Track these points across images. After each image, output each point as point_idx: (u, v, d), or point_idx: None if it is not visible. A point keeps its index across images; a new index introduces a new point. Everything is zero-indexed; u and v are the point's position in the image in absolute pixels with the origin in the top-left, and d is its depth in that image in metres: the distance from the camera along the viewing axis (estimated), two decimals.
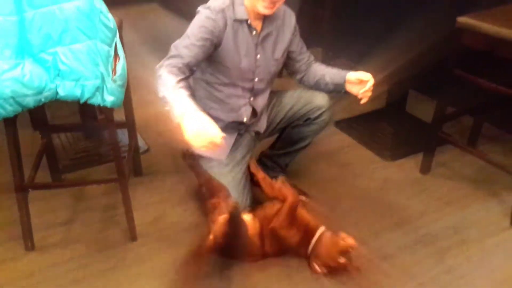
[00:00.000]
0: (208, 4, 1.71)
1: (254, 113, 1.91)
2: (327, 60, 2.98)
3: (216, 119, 1.52)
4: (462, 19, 1.94)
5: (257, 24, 1.75)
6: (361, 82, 1.84)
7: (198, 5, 1.74)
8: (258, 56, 1.79)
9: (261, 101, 1.91)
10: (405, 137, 2.58)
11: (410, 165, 2.35)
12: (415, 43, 2.41)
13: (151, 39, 3.85)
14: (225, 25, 1.69)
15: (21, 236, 1.79)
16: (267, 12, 1.67)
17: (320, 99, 1.97)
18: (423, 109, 2.72)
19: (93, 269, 1.72)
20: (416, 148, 2.42)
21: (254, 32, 1.74)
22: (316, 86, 1.98)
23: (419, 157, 2.32)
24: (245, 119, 1.88)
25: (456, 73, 2.04)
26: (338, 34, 2.51)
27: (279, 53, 1.84)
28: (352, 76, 1.87)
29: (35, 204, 1.86)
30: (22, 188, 1.75)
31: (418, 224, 1.97)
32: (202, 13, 1.69)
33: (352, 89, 1.88)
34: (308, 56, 1.97)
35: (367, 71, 1.90)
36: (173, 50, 1.70)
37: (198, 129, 1.42)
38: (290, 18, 1.86)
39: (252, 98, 1.88)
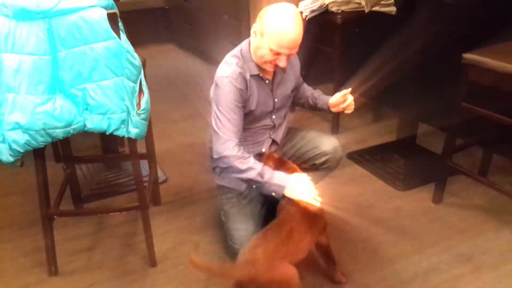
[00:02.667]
0: (223, 73, 1.76)
1: (273, 143, 2.00)
2: None
3: None
4: (468, 56, 2.00)
5: (269, 73, 1.85)
6: (344, 100, 1.95)
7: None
8: (276, 100, 1.90)
9: (280, 133, 2.00)
10: (416, 168, 2.63)
11: (422, 195, 2.39)
12: (423, 78, 2.50)
13: (169, 76, 4.03)
14: (246, 84, 1.78)
15: (45, 261, 1.86)
16: (275, 69, 1.80)
17: (327, 145, 1.98)
18: (433, 141, 2.78)
19: None
20: (427, 179, 2.46)
21: (267, 81, 1.85)
22: (302, 105, 2.14)
23: (431, 187, 2.36)
24: (263, 150, 1.96)
25: (464, 106, 2.09)
26: (348, 71, 2.61)
27: (289, 89, 1.95)
28: (334, 99, 1.97)
29: (58, 231, 1.95)
30: (48, 215, 1.83)
31: (431, 252, 2.00)
32: (224, 84, 1.74)
33: (336, 109, 2.00)
34: (307, 87, 2.11)
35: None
36: (220, 134, 1.74)
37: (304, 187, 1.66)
38: (295, 59, 1.96)
39: (272, 132, 1.97)
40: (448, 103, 2.16)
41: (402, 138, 2.79)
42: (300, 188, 1.67)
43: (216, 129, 1.75)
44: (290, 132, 2.10)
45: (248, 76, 1.78)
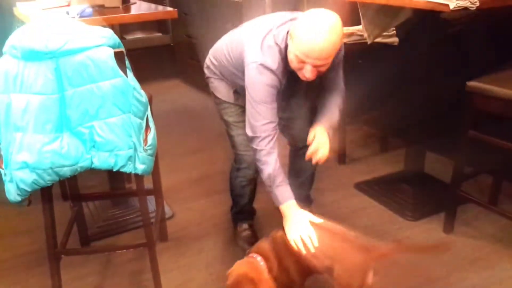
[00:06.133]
0: (263, 63, 1.68)
1: None
2: (343, 125, 3.07)
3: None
4: (472, 84, 2.01)
5: None
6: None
7: None
8: (301, 91, 1.95)
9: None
10: (425, 197, 2.60)
11: (432, 225, 2.35)
12: (429, 107, 2.51)
13: (175, 111, 4.06)
14: (284, 76, 1.73)
15: None
16: (306, 80, 1.67)
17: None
18: (441, 169, 2.76)
19: None
20: (437, 208, 2.43)
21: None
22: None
23: (441, 216, 2.33)
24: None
25: (471, 134, 2.09)
26: (352, 102, 2.63)
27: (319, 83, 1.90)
28: (312, 134, 1.87)
29: (66, 270, 1.92)
30: (55, 254, 1.81)
31: (444, 283, 1.96)
32: (264, 73, 1.69)
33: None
34: (334, 85, 1.95)
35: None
36: (261, 127, 1.72)
37: (298, 229, 1.63)
38: (338, 57, 1.81)
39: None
40: (455, 131, 2.15)
41: (410, 168, 2.77)
42: (296, 225, 1.64)
43: (251, 121, 1.73)
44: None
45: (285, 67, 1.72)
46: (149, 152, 1.75)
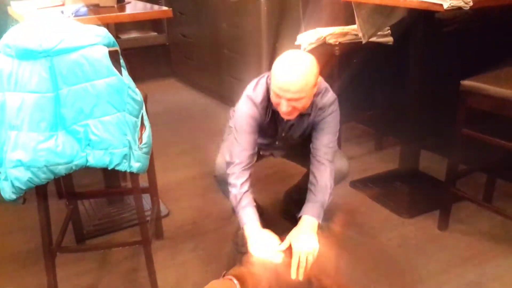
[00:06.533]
0: (249, 94, 1.80)
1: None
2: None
3: None
4: (466, 83, 2.02)
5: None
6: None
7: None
8: (282, 135, 1.94)
9: (281, 153, 2.10)
10: (420, 195, 2.61)
11: (427, 222, 2.36)
12: (424, 105, 2.52)
13: (170, 110, 4.07)
14: (267, 112, 1.82)
15: None
16: (288, 118, 1.75)
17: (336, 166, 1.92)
18: (436, 167, 2.78)
19: None
20: (432, 206, 2.45)
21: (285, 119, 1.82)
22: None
23: (436, 214, 2.34)
24: (261, 152, 2.05)
25: (464, 132, 2.10)
26: (347, 101, 2.64)
27: (298, 133, 1.93)
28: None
29: (61, 268, 1.91)
30: (50, 252, 1.81)
31: (439, 280, 1.96)
32: (247, 104, 1.79)
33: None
34: (324, 156, 1.84)
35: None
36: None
37: (261, 250, 1.62)
38: (327, 111, 1.84)
39: (273, 150, 2.07)
40: (449, 130, 2.17)
41: (405, 166, 2.79)
42: (258, 244, 1.64)
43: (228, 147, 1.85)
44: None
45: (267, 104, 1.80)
46: (144, 150, 1.75)
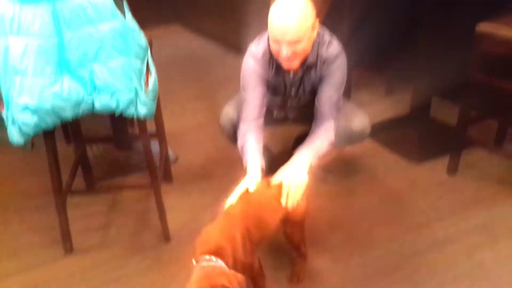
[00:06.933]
0: (251, 50, 1.80)
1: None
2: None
3: None
4: (482, 26, 1.96)
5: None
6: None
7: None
8: (288, 89, 1.89)
9: (295, 113, 2.05)
10: (430, 140, 2.59)
11: (436, 167, 2.35)
12: (436, 50, 2.45)
13: (176, 57, 4.00)
14: (270, 66, 1.80)
15: (60, 240, 1.88)
16: (290, 68, 1.75)
17: (356, 124, 1.95)
18: (447, 114, 2.73)
19: (130, 270, 1.79)
20: (442, 151, 2.42)
21: (291, 73, 1.82)
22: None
23: (446, 159, 2.33)
24: (274, 114, 2.03)
25: (478, 78, 2.05)
26: (360, 46, 2.56)
27: (307, 88, 1.89)
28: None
29: (72, 210, 1.94)
30: (60, 194, 1.84)
31: (447, 222, 1.98)
32: (248, 60, 1.80)
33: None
34: (327, 110, 1.83)
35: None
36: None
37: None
38: (332, 64, 1.80)
39: (286, 110, 2.04)
40: (462, 75, 2.11)
41: (416, 111, 2.75)
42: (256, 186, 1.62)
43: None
44: None
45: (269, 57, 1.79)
46: (151, 96, 1.74)
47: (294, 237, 1.68)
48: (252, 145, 1.73)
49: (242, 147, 1.75)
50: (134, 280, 1.76)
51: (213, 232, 1.43)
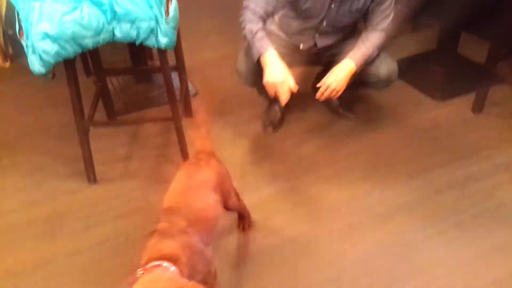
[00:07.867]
0: None
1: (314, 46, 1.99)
2: None
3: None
4: None
5: None
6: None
7: None
8: (332, 6, 1.81)
9: (325, 40, 1.96)
10: (456, 77, 2.51)
11: (461, 105, 2.30)
12: None
13: None
14: None
15: (84, 171, 1.92)
16: None
17: (383, 69, 1.93)
18: (475, 50, 2.62)
19: (152, 199, 1.82)
20: (467, 88, 2.36)
21: None
22: None
23: (471, 97, 2.27)
24: (301, 46, 1.97)
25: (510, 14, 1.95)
26: None
27: (356, 6, 1.82)
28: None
29: (94, 142, 1.96)
30: (83, 125, 1.85)
31: (469, 161, 1.96)
32: None
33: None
34: (378, 22, 1.87)
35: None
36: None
37: (276, 80, 1.73)
38: None
39: (317, 35, 1.94)
40: (492, 11, 2.00)
41: (443, 48, 2.64)
42: (274, 72, 1.72)
43: None
44: (346, 43, 2.00)
45: None
46: (171, 24, 1.69)
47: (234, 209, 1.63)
48: (263, 35, 1.76)
49: (252, 36, 1.76)
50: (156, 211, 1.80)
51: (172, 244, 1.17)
